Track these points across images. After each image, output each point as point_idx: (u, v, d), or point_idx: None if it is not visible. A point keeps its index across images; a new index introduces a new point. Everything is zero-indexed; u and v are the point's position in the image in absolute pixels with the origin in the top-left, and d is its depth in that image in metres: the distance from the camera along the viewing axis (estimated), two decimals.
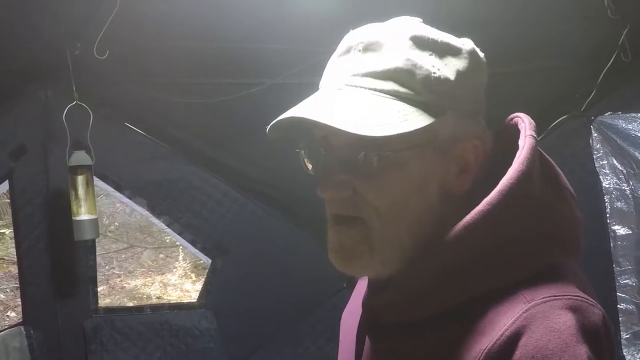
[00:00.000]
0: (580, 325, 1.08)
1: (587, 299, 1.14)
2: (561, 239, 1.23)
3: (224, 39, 3.13)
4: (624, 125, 3.71)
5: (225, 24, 3.02)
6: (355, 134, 1.11)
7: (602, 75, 3.51)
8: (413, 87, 1.18)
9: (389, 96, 1.17)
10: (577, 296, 1.13)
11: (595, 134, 3.76)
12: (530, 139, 1.23)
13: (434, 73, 1.19)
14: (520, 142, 1.24)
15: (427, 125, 1.16)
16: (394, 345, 1.28)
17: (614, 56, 3.43)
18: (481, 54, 1.29)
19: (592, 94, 3.61)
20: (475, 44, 1.29)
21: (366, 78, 1.18)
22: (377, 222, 1.21)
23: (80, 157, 3.10)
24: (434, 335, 1.19)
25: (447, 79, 1.20)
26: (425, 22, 1.27)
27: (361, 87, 1.18)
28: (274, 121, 1.21)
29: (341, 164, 1.21)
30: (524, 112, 1.32)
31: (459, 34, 1.30)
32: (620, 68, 3.48)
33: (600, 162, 3.80)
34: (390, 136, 1.12)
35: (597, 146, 3.77)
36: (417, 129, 1.14)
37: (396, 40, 1.20)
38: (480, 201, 1.18)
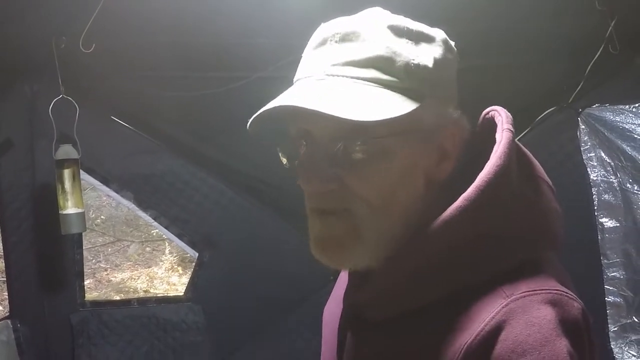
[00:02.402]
0: (560, 319, 1.09)
1: (567, 293, 1.14)
2: (540, 232, 1.24)
3: (211, 32, 3.12)
4: (611, 117, 3.71)
5: (212, 18, 3.01)
6: (345, 120, 1.10)
7: (589, 67, 3.51)
8: (395, 74, 1.17)
9: (371, 84, 1.16)
10: (557, 290, 1.13)
11: (583, 126, 3.76)
12: (507, 132, 1.23)
13: (413, 60, 1.19)
14: (498, 137, 1.24)
15: (412, 110, 1.15)
16: (375, 340, 1.28)
17: (601, 48, 3.43)
18: (452, 43, 1.29)
19: (580, 86, 3.60)
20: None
21: (347, 67, 1.18)
22: (367, 213, 1.20)
23: (66, 151, 3.08)
24: (414, 331, 1.20)
25: (425, 66, 1.20)
26: (409, 15, 1.27)
27: (343, 76, 1.17)
28: (257, 113, 1.19)
29: (327, 157, 1.19)
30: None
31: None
32: (608, 60, 3.48)
33: (588, 155, 3.80)
34: (380, 121, 1.11)
35: (585, 138, 3.77)
36: (403, 115, 1.14)
37: (373, 29, 1.20)
38: (460, 194, 1.18)
